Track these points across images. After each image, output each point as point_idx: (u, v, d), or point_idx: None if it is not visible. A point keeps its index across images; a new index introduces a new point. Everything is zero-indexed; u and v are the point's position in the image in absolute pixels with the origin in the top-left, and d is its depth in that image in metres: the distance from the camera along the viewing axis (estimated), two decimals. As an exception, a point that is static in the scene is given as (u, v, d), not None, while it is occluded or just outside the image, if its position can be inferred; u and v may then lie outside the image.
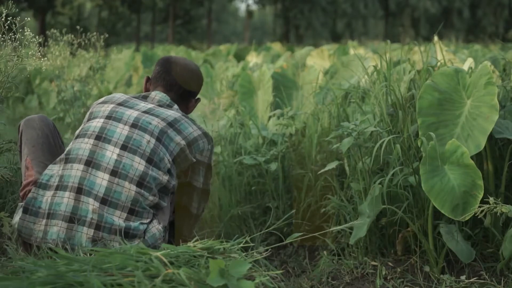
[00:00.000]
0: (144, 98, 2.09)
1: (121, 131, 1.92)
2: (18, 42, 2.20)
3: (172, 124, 1.98)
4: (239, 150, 3.18)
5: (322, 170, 2.66)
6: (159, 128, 1.95)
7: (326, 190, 2.82)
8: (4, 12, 2.18)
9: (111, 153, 1.88)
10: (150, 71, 7.07)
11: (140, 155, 1.89)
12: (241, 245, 1.64)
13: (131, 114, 1.97)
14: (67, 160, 1.90)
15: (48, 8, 28.38)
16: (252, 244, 1.69)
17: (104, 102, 2.04)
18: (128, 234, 1.83)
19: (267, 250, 1.75)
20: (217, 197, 3.11)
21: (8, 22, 2.19)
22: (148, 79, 2.20)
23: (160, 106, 2.05)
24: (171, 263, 1.43)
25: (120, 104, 2.01)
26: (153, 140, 1.92)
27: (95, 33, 4.54)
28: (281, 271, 1.81)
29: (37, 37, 2.31)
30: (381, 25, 40.66)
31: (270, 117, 3.66)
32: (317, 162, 2.95)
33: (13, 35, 2.19)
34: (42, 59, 2.31)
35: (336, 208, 2.64)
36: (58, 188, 1.86)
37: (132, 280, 1.30)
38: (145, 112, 1.99)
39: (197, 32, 37.45)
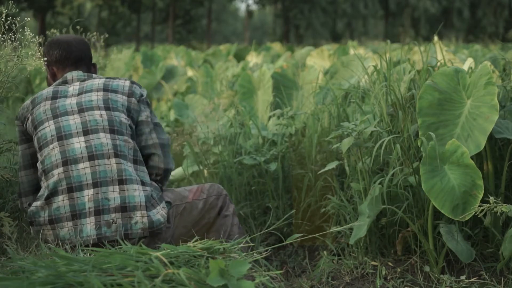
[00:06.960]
0: (65, 83, 2.14)
1: (73, 121, 2.00)
2: (18, 42, 2.20)
3: (106, 89, 2.09)
4: (239, 150, 3.18)
5: (322, 170, 2.65)
6: (101, 99, 2.05)
7: (326, 190, 2.82)
8: (4, 12, 2.17)
9: (78, 143, 1.96)
10: (151, 71, 7.07)
11: (102, 130, 1.99)
12: (241, 245, 1.64)
13: (70, 102, 2.05)
14: (45, 172, 1.97)
15: (48, 8, 28.37)
16: (252, 244, 1.69)
17: (36, 104, 2.07)
18: (125, 208, 1.90)
19: (267, 250, 1.75)
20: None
21: (8, 22, 2.18)
22: (52, 70, 2.22)
23: (83, 82, 2.13)
24: (171, 263, 1.43)
25: (53, 98, 2.07)
26: (103, 112, 2.02)
27: (95, 33, 4.52)
28: (281, 271, 1.81)
29: (37, 37, 2.31)
30: (381, 25, 40.64)
31: (270, 117, 3.65)
32: (317, 162, 2.95)
33: (13, 35, 2.18)
34: (42, 59, 2.31)
35: (336, 208, 2.64)
36: (49, 196, 1.93)
37: (132, 280, 1.30)
38: (79, 94, 2.07)
39: (197, 32, 37.42)
